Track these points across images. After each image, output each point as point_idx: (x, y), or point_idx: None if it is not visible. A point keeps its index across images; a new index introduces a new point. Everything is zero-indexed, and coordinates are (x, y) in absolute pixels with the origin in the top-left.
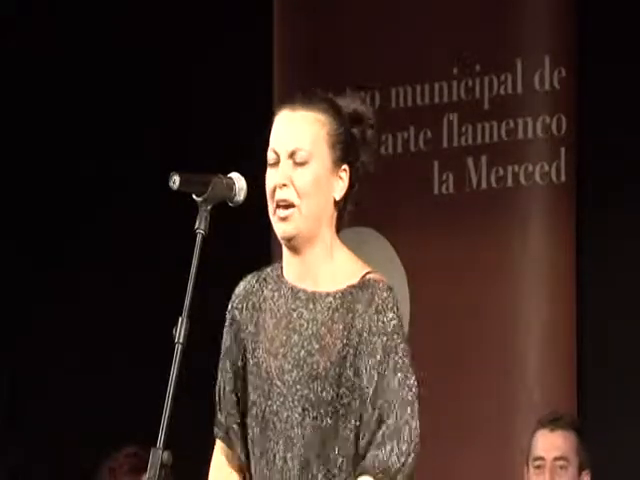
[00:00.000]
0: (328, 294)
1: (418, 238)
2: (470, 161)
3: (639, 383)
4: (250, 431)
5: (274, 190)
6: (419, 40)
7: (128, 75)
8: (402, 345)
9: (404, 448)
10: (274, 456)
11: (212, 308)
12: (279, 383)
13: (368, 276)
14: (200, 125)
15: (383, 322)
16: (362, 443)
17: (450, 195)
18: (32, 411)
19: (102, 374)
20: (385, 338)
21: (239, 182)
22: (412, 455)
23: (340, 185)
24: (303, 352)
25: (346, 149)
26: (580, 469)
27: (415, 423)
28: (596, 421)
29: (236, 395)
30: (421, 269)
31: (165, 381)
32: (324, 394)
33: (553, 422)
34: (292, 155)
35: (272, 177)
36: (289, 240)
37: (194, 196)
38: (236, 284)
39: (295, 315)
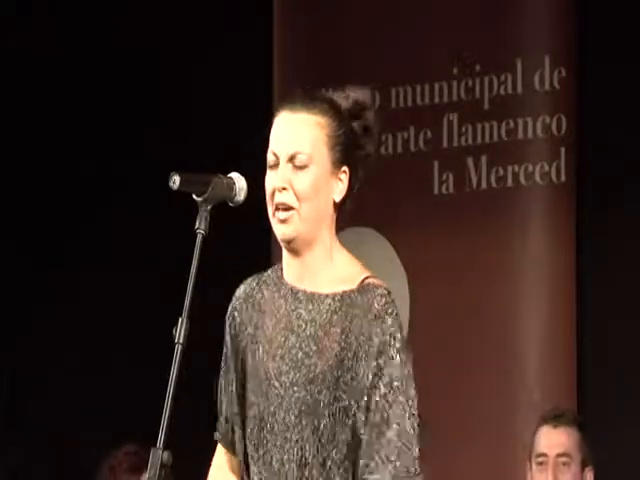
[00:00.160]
0: (327, 296)
1: (418, 238)
2: (470, 161)
3: (639, 383)
4: (249, 433)
5: (273, 193)
6: (419, 40)
7: (128, 75)
8: (400, 352)
9: (405, 462)
10: (271, 458)
11: (212, 308)
12: (277, 384)
13: (367, 281)
14: (200, 125)
15: (382, 328)
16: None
17: (450, 195)
18: (32, 411)
19: (102, 374)
20: (383, 345)
21: (239, 182)
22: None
23: (340, 187)
24: (301, 354)
25: (346, 150)
26: (583, 465)
27: (413, 435)
28: (596, 421)
29: (236, 397)
30: (421, 269)
31: (165, 381)
32: (321, 397)
33: (556, 418)
34: (292, 159)
35: (271, 180)
36: (288, 242)
37: (194, 196)
38: (236, 284)
39: (294, 316)
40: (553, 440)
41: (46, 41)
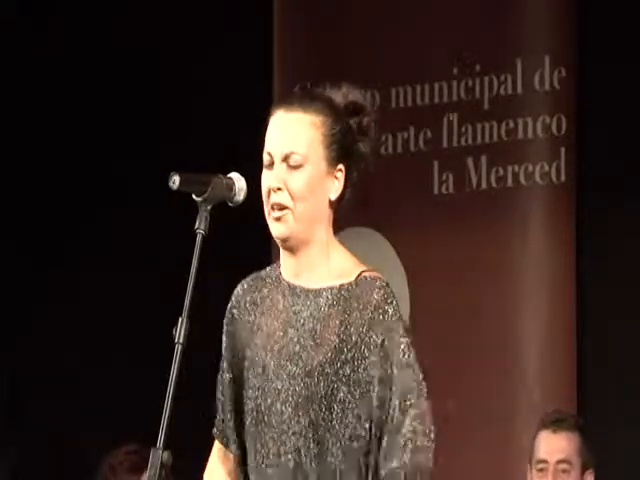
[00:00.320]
0: (324, 290)
1: (418, 238)
2: (470, 161)
3: (639, 383)
4: (247, 427)
5: (269, 192)
6: (419, 40)
7: (128, 75)
8: (404, 339)
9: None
10: (268, 451)
11: (212, 308)
12: (274, 378)
13: (364, 274)
14: (200, 125)
15: (383, 318)
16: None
17: (450, 195)
18: (32, 411)
19: (102, 374)
20: (386, 334)
21: (239, 182)
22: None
23: (336, 185)
24: (298, 347)
25: (342, 149)
26: (583, 469)
27: (426, 420)
28: (596, 421)
29: (234, 393)
30: (421, 269)
31: (165, 381)
32: (318, 389)
33: (556, 423)
34: (286, 158)
35: (267, 179)
36: (284, 241)
37: (194, 196)
38: (236, 284)
39: (292, 312)
40: (553, 446)
41: (46, 41)
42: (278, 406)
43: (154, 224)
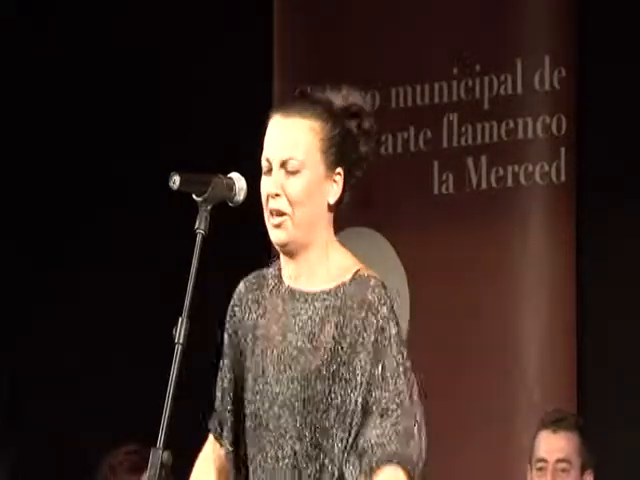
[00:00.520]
0: (322, 292)
1: (418, 238)
2: (470, 161)
3: (639, 383)
4: (246, 430)
5: (267, 198)
6: (419, 40)
7: (128, 75)
8: (396, 339)
9: (413, 441)
10: (266, 454)
11: (212, 308)
12: (273, 381)
13: (360, 272)
14: (200, 125)
15: (376, 318)
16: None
17: (450, 195)
18: (32, 411)
19: (102, 374)
20: (378, 334)
21: (239, 182)
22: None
23: (334, 189)
24: (296, 352)
25: (340, 153)
26: (583, 469)
27: (413, 420)
28: (596, 421)
29: (233, 392)
30: (421, 269)
31: (165, 381)
32: (315, 392)
33: (556, 423)
34: (284, 164)
35: (265, 185)
36: (283, 247)
37: (194, 196)
38: (236, 284)
39: (290, 315)
40: (553, 445)
41: (46, 41)
42: (276, 409)
43: (154, 224)
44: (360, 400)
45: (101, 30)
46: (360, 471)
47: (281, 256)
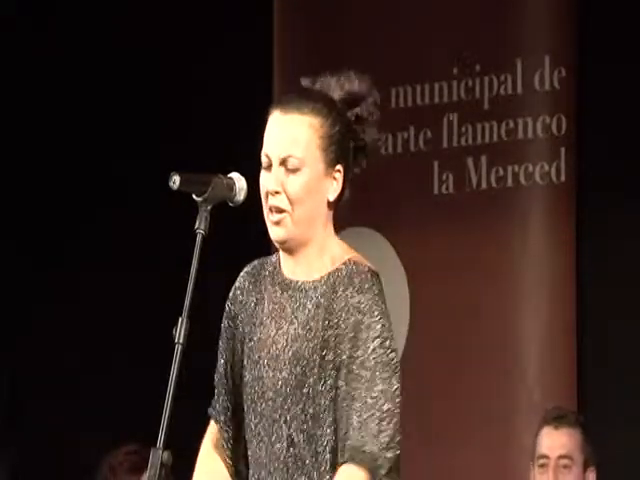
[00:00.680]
0: (317, 281)
1: (418, 238)
2: (470, 161)
3: (639, 383)
4: (244, 414)
5: (267, 195)
6: (419, 40)
7: (128, 75)
8: (379, 324)
9: (375, 431)
10: (261, 439)
11: (212, 308)
12: (267, 368)
13: (350, 259)
14: (200, 125)
15: (359, 301)
16: (340, 427)
17: (450, 195)
18: (32, 411)
19: (102, 374)
20: (360, 317)
21: (239, 182)
22: (383, 441)
23: (334, 186)
24: (290, 338)
25: (340, 150)
26: (585, 466)
27: (388, 405)
28: (596, 421)
29: (225, 379)
30: (421, 269)
31: (165, 381)
32: (306, 378)
33: (558, 419)
34: (284, 162)
35: (265, 182)
36: (282, 243)
37: (194, 196)
38: None
39: (287, 303)
40: (554, 442)
41: (46, 41)
42: (270, 394)
43: (154, 224)
44: (341, 385)
45: (101, 30)
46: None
47: (280, 250)
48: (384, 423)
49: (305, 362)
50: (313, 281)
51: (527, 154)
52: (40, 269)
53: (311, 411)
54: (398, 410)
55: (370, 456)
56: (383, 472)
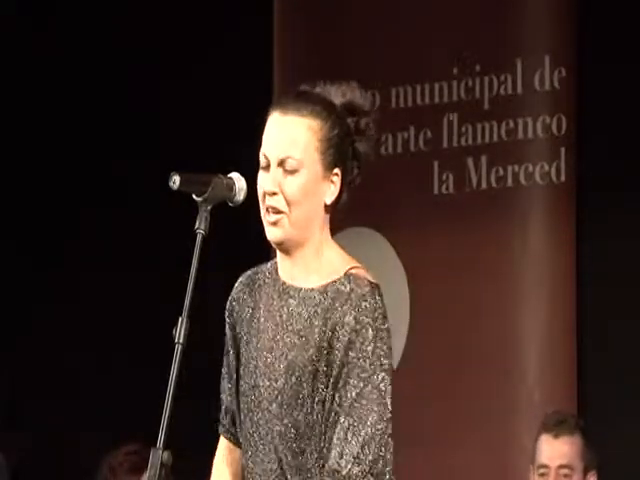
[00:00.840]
0: (315, 290)
1: (418, 238)
2: (470, 161)
3: (639, 383)
4: (241, 424)
5: (264, 195)
6: (419, 40)
7: (128, 75)
8: (371, 346)
9: (355, 453)
10: (256, 449)
11: (212, 308)
12: (263, 377)
13: (351, 271)
14: (200, 125)
15: (355, 317)
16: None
17: (450, 195)
18: (32, 411)
19: (102, 374)
20: (354, 336)
21: (239, 182)
22: (364, 463)
23: (331, 189)
24: (286, 348)
25: (338, 153)
26: (585, 472)
27: (373, 427)
28: (596, 421)
29: (235, 389)
30: (421, 269)
31: (165, 381)
32: (300, 388)
33: (557, 426)
34: (282, 163)
35: (262, 182)
36: (278, 244)
37: (194, 196)
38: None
39: (284, 311)
40: (554, 451)
41: (46, 41)
42: (265, 404)
43: (154, 224)
44: (332, 398)
45: (101, 30)
46: None
47: (277, 253)
48: (368, 445)
49: (300, 372)
50: (311, 289)
51: (527, 154)
52: (40, 269)
53: (305, 422)
54: (387, 432)
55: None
56: None
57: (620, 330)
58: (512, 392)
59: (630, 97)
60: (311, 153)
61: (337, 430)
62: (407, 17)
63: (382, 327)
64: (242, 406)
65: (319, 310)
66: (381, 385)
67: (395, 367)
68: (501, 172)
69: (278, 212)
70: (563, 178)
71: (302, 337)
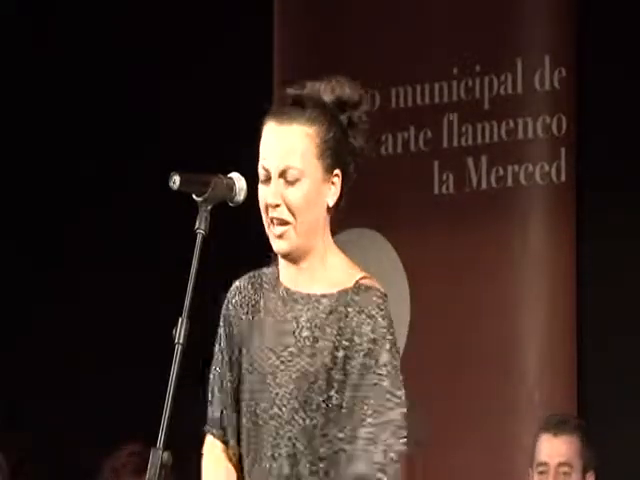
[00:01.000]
0: (323, 296)
1: (418, 238)
2: (470, 161)
3: (639, 383)
4: (242, 428)
5: (267, 208)
6: (419, 40)
7: (128, 75)
8: (389, 352)
9: (376, 459)
10: (263, 454)
11: (212, 308)
12: (272, 383)
13: (362, 281)
14: (200, 125)
15: (372, 327)
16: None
17: (450, 195)
18: (32, 411)
19: (102, 374)
20: (373, 344)
21: (239, 182)
22: (386, 469)
23: (332, 191)
24: (296, 353)
25: (336, 154)
26: (584, 472)
27: (393, 435)
28: (596, 421)
29: (232, 390)
30: (421, 269)
31: (165, 381)
32: (313, 395)
33: (557, 426)
34: (283, 174)
35: (264, 195)
36: (285, 256)
37: (194, 196)
38: None
39: (290, 317)
40: (554, 449)
41: (46, 41)
42: (275, 409)
43: (154, 224)
44: (349, 405)
45: (101, 30)
46: None
47: (280, 259)
48: (386, 454)
49: (313, 379)
50: (319, 295)
51: (527, 154)
52: (40, 269)
53: (317, 428)
54: (402, 441)
55: None
56: None
57: (620, 330)
58: (512, 392)
59: (630, 97)
60: (310, 160)
61: (359, 441)
62: (407, 17)
63: (394, 338)
64: (244, 410)
65: (331, 317)
66: (398, 393)
67: None
68: (501, 172)
69: (283, 223)
70: (563, 178)
71: (314, 344)
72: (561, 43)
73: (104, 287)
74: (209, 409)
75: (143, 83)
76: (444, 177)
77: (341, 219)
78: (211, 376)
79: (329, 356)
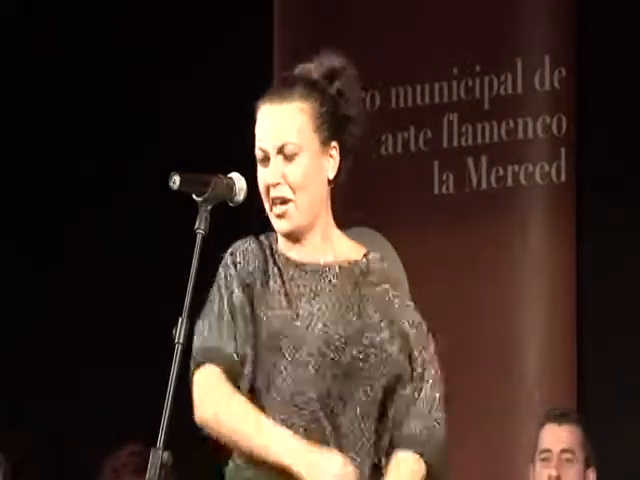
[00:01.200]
0: (333, 266)
1: (418, 238)
2: (470, 161)
3: (639, 383)
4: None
5: (267, 188)
6: (419, 40)
7: (128, 75)
8: (420, 318)
9: (429, 420)
10: (294, 393)
11: None
12: (303, 353)
13: (371, 255)
14: (200, 125)
15: (396, 298)
16: (391, 413)
17: (450, 195)
18: (32, 411)
19: (102, 374)
20: (412, 318)
21: (239, 182)
22: (437, 426)
23: (332, 163)
24: (320, 324)
25: (332, 127)
26: (586, 465)
27: (436, 393)
28: (596, 421)
29: (245, 327)
30: (421, 269)
31: (165, 381)
32: (339, 361)
33: (560, 417)
34: (281, 150)
35: (264, 175)
36: (288, 235)
37: (194, 196)
38: None
39: (304, 287)
40: (558, 436)
41: (46, 41)
42: (297, 370)
43: (154, 224)
44: (388, 374)
45: (101, 30)
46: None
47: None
48: (442, 421)
49: (338, 346)
50: (329, 265)
51: (527, 154)
52: (40, 269)
53: (341, 392)
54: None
55: (432, 453)
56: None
57: (620, 330)
58: (512, 392)
59: (630, 97)
60: (307, 134)
61: (413, 404)
62: (407, 17)
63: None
64: (271, 365)
65: (349, 287)
66: (428, 354)
67: None
68: (501, 172)
69: (285, 201)
70: (563, 178)
71: (335, 313)
72: (561, 43)
73: (104, 287)
74: (207, 336)
75: (143, 83)
76: (444, 177)
77: (341, 218)
78: (221, 304)
79: (353, 324)
